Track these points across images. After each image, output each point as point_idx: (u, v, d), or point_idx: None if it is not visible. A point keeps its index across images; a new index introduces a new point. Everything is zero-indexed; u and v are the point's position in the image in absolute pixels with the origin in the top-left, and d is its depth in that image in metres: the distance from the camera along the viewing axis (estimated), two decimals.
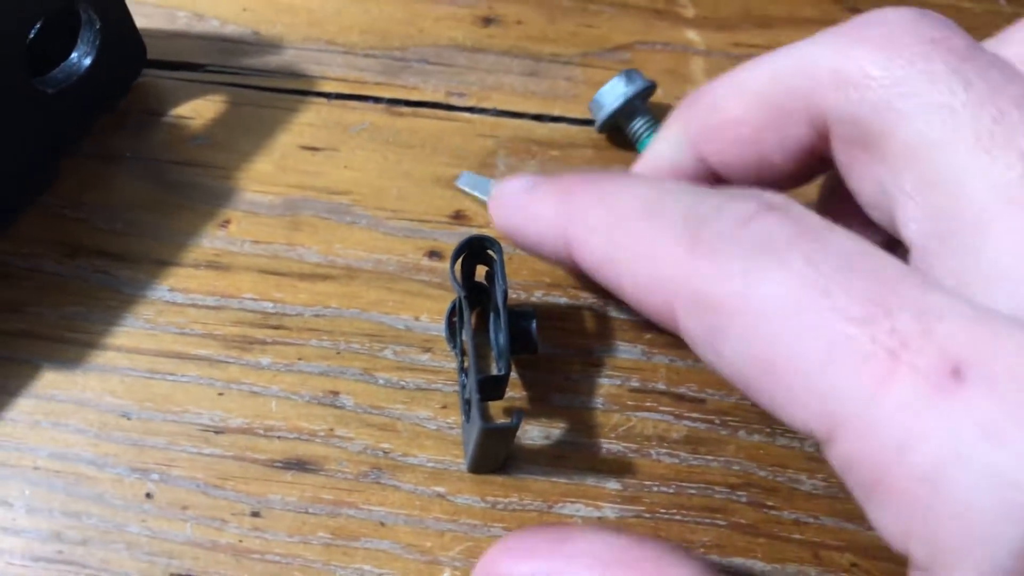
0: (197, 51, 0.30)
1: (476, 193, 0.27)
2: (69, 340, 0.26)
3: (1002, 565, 0.12)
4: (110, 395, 0.25)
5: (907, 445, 0.13)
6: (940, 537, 0.13)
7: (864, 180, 0.18)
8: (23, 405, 0.25)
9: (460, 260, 0.23)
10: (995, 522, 0.13)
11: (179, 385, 0.25)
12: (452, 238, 0.27)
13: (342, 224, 0.27)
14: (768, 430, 0.25)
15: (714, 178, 0.21)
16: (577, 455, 0.24)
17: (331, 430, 0.25)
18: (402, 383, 0.25)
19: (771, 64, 0.19)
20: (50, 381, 0.25)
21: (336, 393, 0.25)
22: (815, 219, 0.16)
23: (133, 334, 0.26)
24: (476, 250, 0.23)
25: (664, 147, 0.22)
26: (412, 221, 0.27)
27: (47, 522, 0.23)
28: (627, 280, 0.18)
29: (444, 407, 0.25)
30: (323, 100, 0.29)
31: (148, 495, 0.24)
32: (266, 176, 0.28)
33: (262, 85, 0.29)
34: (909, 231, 0.16)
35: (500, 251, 0.23)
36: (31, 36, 0.25)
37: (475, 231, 0.27)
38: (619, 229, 0.18)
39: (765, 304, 0.15)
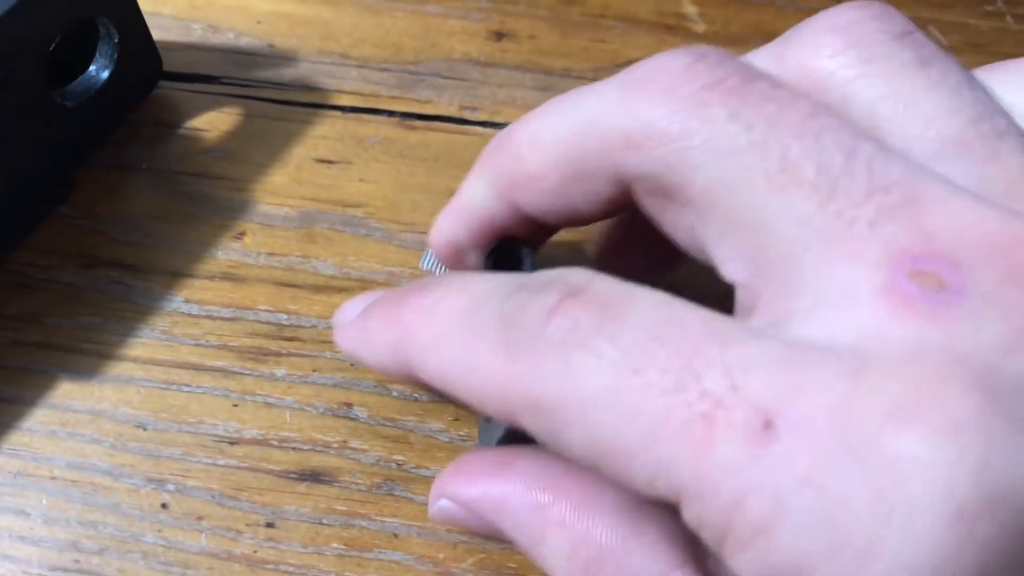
0: (212, 63, 0.30)
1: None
2: (85, 351, 0.26)
3: None
4: (126, 406, 0.25)
5: (738, 502, 0.14)
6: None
7: (675, 227, 0.18)
8: (40, 415, 0.25)
9: (490, 266, 0.23)
10: (822, 564, 0.13)
11: (194, 396, 0.25)
12: None
13: (356, 236, 0.28)
14: None
15: (529, 220, 0.21)
16: None
17: (345, 442, 0.25)
18: (415, 395, 0.25)
19: (567, 119, 0.19)
20: (66, 391, 0.25)
21: (350, 405, 0.25)
22: (616, 292, 0.16)
23: (149, 345, 0.26)
24: (504, 255, 0.23)
25: (473, 196, 0.22)
26: (425, 234, 0.28)
27: (64, 531, 0.24)
28: (467, 394, 0.17)
29: (457, 419, 0.25)
30: (337, 113, 0.29)
31: (164, 505, 0.24)
32: (281, 188, 0.28)
33: (276, 98, 0.30)
34: (728, 271, 0.17)
35: (532, 255, 0.23)
36: (50, 49, 0.25)
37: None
38: (444, 348, 0.18)
39: (585, 396, 0.15)
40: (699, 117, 0.16)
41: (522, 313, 0.16)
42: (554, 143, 0.19)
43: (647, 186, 0.18)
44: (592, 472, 0.16)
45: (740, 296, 0.17)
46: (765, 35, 0.32)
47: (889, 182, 0.15)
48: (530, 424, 0.16)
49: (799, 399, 0.14)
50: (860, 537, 0.13)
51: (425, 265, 0.27)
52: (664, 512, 0.17)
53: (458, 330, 0.17)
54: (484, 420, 0.23)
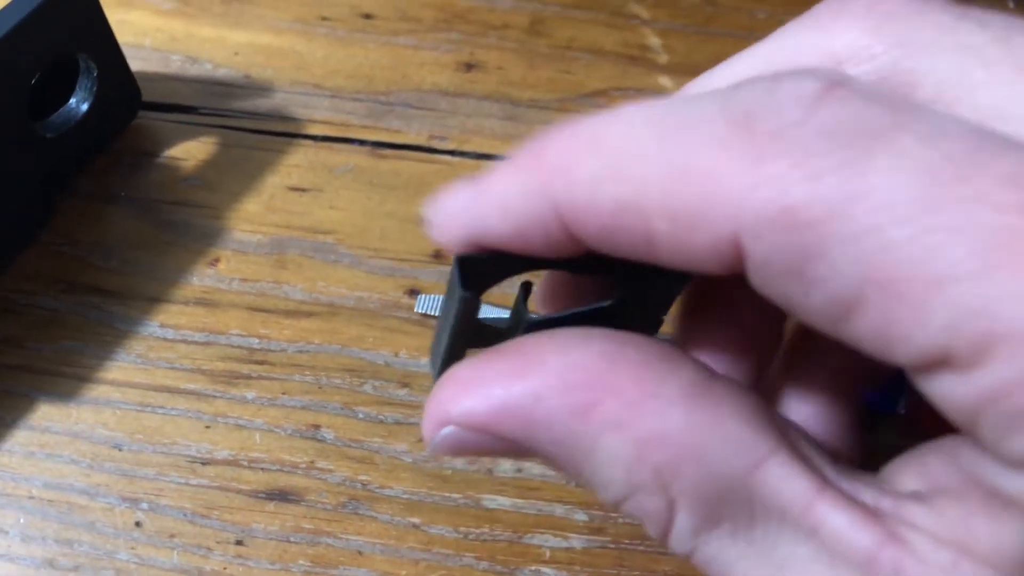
0: (190, 94, 0.31)
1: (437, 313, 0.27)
2: (64, 374, 0.27)
3: None
4: (103, 427, 0.26)
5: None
6: None
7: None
8: (19, 436, 0.26)
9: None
10: None
11: (168, 418, 0.26)
12: (432, 277, 0.28)
13: (326, 262, 0.29)
14: None
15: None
16: (546, 487, 0.26)
17: (312, 462, 0.26)
18: (381, 417, 0.26)
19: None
20: (45, 413, 0.26)
21: (317, 427, 0.26)
22: (899, 96, 0.13)
23: (126, 368, 0.27)
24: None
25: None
26: (393, 260, 0.29)
27: (41, 549, 0.25)
28: (663, 222, 0.14)
29: (420, 440, 0.26)
30: (310, 142, 0.31)
31: (137, 523, 0.25)
32: (254, 216, 0.29)
33: (252, 127, 0.31)
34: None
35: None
36: (32, 83, 0.26)
37: None
38: (634, 162, 0.14)
39: (880, 203, 0.12)
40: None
41: (770, 101, 0.13)
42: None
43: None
44: (646, 359, 0.14)
45: None
46: None
47: None
48: (766, 252, 0.13)
49: None
50: None
51: (419, 309, 0.28)
52: (741, 395, 0.15)
53: (659, 136, 0.14)
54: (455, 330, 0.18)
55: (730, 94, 0.13)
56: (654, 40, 0.33)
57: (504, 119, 0.31)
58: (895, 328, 0.12)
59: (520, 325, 0.18)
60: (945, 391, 0.13)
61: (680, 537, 0.15)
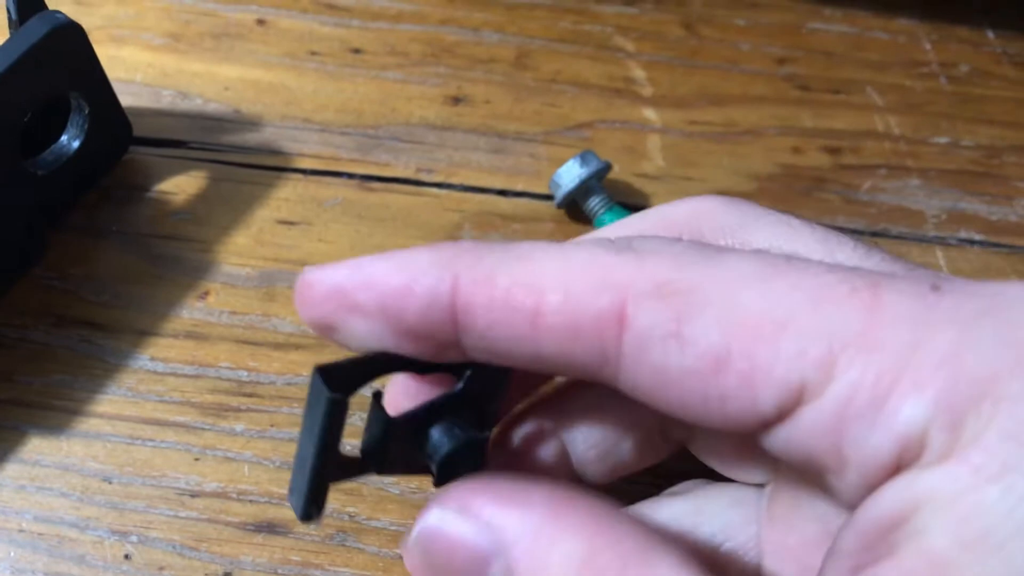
0: (181, 128, 0.32)
1: None
2: (55, 407, 0.27)
3: None
4: (93, 460, 0.26)
5: (916, 348, 0.15)
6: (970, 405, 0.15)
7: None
8: (9, 470, 0.26)
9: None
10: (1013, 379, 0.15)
11: (158, 450, 0.27)
12: None
13: None
14: None
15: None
16: None
17: None
18: None
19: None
20: (36, 447, 0.27)
21: None
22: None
23: (116, 401, 0.27)
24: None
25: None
26: None
27: None
28: (554, 303, 0.17)
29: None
30: (299, 176, 0.31)
31: (127, 556, 0.25)
32: (244, 249, 0.30)
33: (241, 161, 0.31)
34: None
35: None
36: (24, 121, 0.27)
37: None
38: (534, 257, 0.17)
39: (737, 274, 0.16)
40: None
41: (648, 236, 0.18)
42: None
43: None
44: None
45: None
46: (709, 98, 0.33)
47: None
48: (646, 318, 0.16)
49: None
50: None
51: None
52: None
53: (560, 248, 0.18)
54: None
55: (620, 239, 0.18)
56: (639, 73, 0.34)
57: (491, 152, 0.32)
58: (758, 369, 0.16)
59: (385, 428, 0.19)
60: (807, 428, 0.16)
61: None
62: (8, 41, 0.25)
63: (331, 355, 0.28)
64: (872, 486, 0.15)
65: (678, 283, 0.16)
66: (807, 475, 0.18)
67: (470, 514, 0.17)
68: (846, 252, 0.19)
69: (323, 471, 0.19)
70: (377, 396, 0.20)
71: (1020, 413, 0.14)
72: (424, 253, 0.18)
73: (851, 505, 0.16)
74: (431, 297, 0.17)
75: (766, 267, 0.16)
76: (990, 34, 0.35)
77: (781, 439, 0.16)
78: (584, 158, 0.29)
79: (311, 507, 0.19)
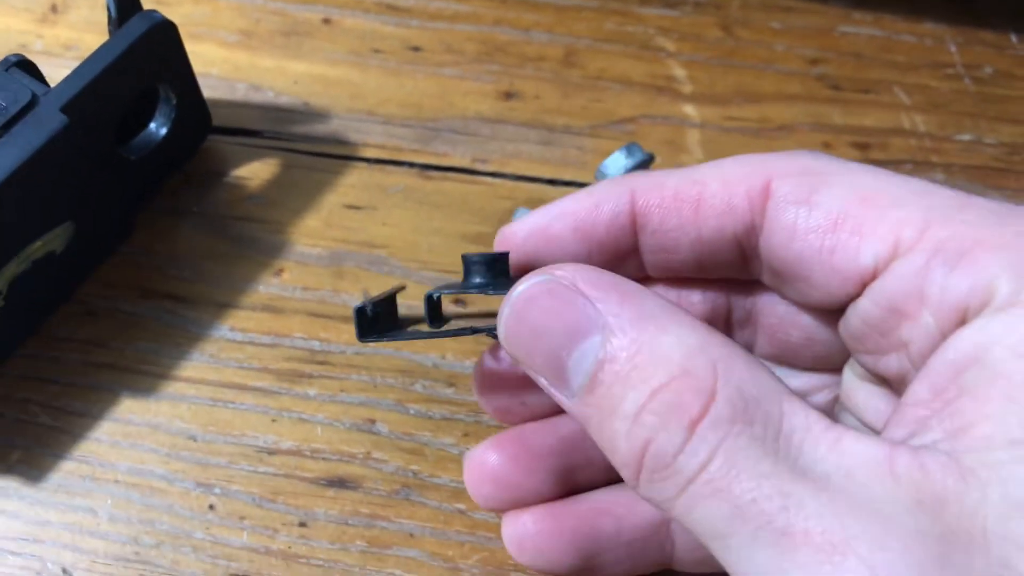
0: (255, 119, 0.34)
1: None
2: (144, 372, 0.30)
3: None
4: (179, 420, 0.29)
5: (995, 224, 0.18)
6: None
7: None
8: (105, 427, 0.29)
9: None
10: None
11: (238, 412, 0.29)
12: None
13: (380, 274, 0.31)
14: None
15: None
16: None
17: (368, 453, 0.28)
18: (430, 413, 0.29)
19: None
20: (127, 407, 0.29)
21: (373, 421, 0.29)
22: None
23: (199, 367, 0.30)
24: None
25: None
26: (440, 272, 0.31)
27: (126, 527, 0.27)
28: (714, 188, 0.21)
29: (466, 435, 0.29)
30: (364, 164, 0.33)
31: (211, 507, 0.28)
32: (314, 231, 0.32)
33: (311, 150, 0.34)
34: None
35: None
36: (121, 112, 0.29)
37: None
38: (697, 168, 0.22)
39: (860, 170, 0.20)
40: None
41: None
42: None
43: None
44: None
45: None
46: (745, 96, 0.35)
47: None
48: (787, 186, 0.20)
49: None
50: None
51: (517, 219, 0.31)
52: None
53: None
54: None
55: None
56: (679, 71, 0.36)
57: (541, 144, 0.34)
58: (866, 226, 0.19)
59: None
60: (897, 277, 0.19)
61: (713, 425, 0.17)
62: (112, 39, 0.28)
63: None
64: (946, 332, 0.18)
65: (813, 168, 0.20)
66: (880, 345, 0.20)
67: (579, 288, 0.19)
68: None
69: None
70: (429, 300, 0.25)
71: None
72: (602, 184, 0.23)
73: (922, 360, 0.18)
74: (615, 209, 0.22)
75: (882, 172, 0.20)
76: (1013, 38, 0.37)
77: (869, 300, 0.19)
78: (629, 149, 0.31)
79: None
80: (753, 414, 0.17)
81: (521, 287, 0.19)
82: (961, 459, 0.16)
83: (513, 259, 0.23)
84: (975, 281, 0.17)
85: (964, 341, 0.17)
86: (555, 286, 0.19)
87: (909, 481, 0.16)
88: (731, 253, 0.22)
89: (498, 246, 0.24)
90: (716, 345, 0.18)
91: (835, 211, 0.20)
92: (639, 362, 0.18)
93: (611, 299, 0.18)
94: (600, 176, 0.32)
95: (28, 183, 0.26)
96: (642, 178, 0.22)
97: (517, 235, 0.23)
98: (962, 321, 0.18)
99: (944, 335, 0.18)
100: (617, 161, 0.31)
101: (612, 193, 0.22)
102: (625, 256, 0.23)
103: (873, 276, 0.19)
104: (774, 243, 0.21)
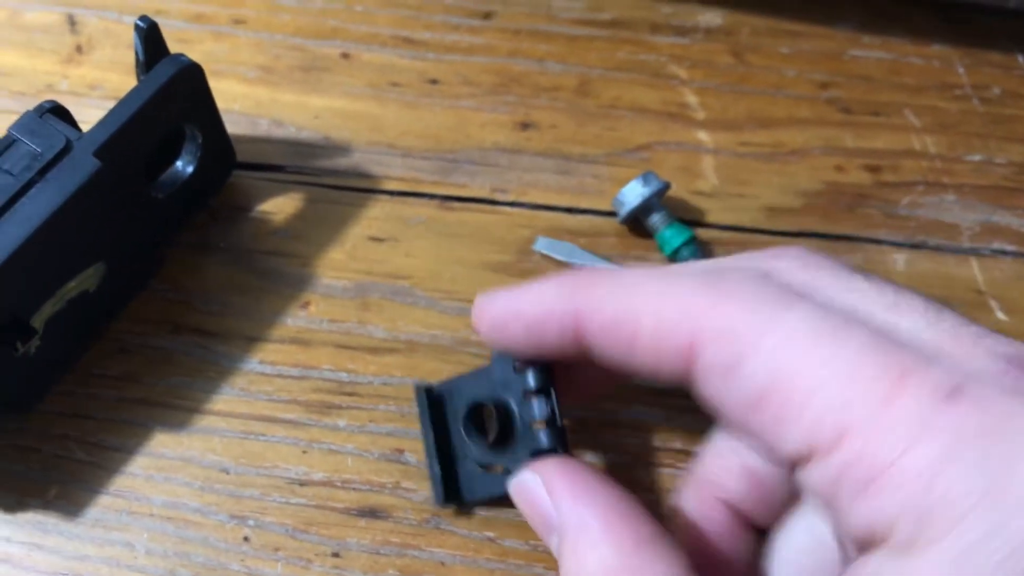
0: (277, 154, 0.35)
1: (553, 254, 0.32)
2: (176, 406, 0.30)
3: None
4: (211, 453, 0.30)
5: (910, 444, 0.17)
6: (934, 516, 0.17)
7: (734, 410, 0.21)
8: (139, 461, 0.29)
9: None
10: (991, 504, 0.16)
11: (269, 444, 0.30)
12: None
13: (404, 304, 0.32)
14: None
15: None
16: None
17: (398, 483, 0.29)
18: None
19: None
20: (160, 441, 0.30)
21: (401, 451, 0.29)
22: (828, 262, 0.21)
23: (229, 401, 0.30)
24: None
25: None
26: (463, 301, 0.32)
27: (162, 561, 0.28)
28: (647, 328, 0.21)
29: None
30: (386, 197, 0.34)
31: (246, 538, 0.28)
32: (339, 263, 0.33)
33: (333, 184, 0.34)
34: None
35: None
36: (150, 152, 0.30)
37: None
38: (636, 288, 0.21)
39: (790, 331, 0.19)
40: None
41: (734, 269, 0.21)
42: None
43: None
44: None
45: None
46: (758, 121, 0.36)
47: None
48: (709, 355, 0.20)
49: (983, 381, 0.18)
50: None
51: (537, 247, 0.33)
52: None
53: (656, 278, 0.22)
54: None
55: (711, 264, 0.22)
56: (692, 98, 0.37)
57: (558, 173, 0.35)
58: (786, 419, 0.19)
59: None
60: (816, 477, 0.19)
61: None
62: (141, 83, 0.29)
63: (421, 358, 0.31)
64: (859, 540, 0.19)
65: (741, 330, 0.20)
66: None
67: (547, 489, 0.23)
68: (914, 318, 0.20)
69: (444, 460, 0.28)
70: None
71: (966, 540, 0.16)
72: (553, 289, 0.23)
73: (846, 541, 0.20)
74: (560, 326, 0.23)
75: (820, 329, 0.19)
76: (1020, 59, 0.38)
77: (799, 476, 0.20)
78: (646, 178, 0.32)
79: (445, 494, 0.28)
80: None
81: (513, 481, 0.24)
82: None
83: (481, 335, 0.25)
84: (874, 517, 0.18)
85: (861, 572, 0.18)
86: (529, 487, 0.23)
87: None
88: (675, 384, 0.22)
89: (475, 316, 0.25)
90: (633, 570, 0.20)
91: (757, 390, 0.19)
92: (567, 571, 0.21)
93: (564, 506, 0.22)
94: (618, 205, 0.32)
95: (64, 226, 0.27)
96: (586, 293, 0.22)
97: (483, 319, 0.25)
98: (865, 545, 0.18)
99: (859, 544, 0.19)
100: (634, 190, 0.32)
101: (557, 308, 0.23)
102: (574, 356, 0.24)
103: (797, 463, 0.19)
104: (709, 397, 0.21)
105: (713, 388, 0.20)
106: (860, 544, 0.19)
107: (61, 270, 0.28)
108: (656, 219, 0.32)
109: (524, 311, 0.24)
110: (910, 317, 0.19)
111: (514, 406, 0.26)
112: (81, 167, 0.27)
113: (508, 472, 0.26)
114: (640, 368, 0.22)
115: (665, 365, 0.21)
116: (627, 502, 0.22)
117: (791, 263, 0.21)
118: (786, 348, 0.19)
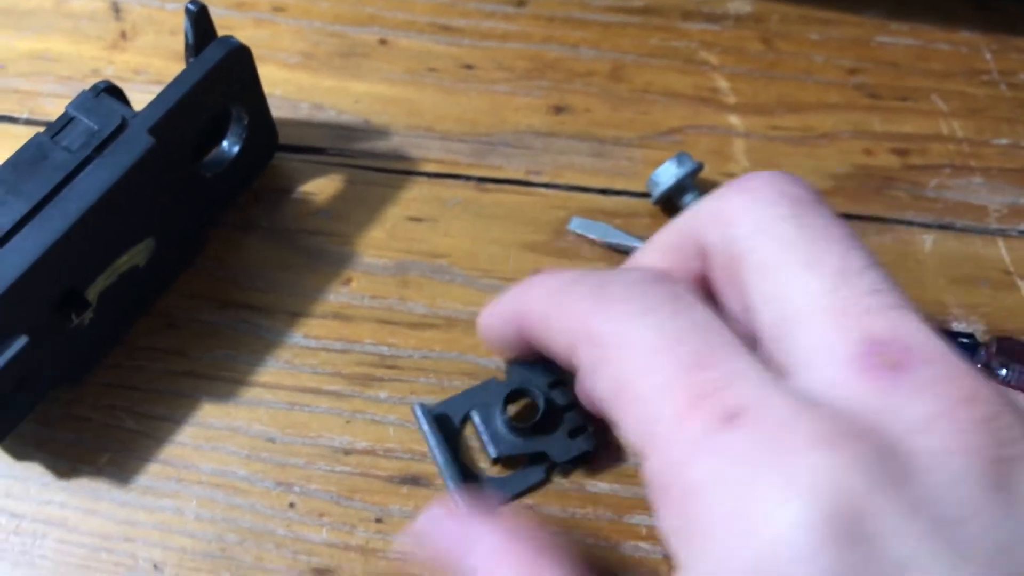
0: (318, 137, 0.36)
1: (588, 234, 0.33)
2: (222, 378, 0.31)
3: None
4: (257, 423, 0.30)
5: (687, 463, 0.18)
6: (693, 536, 0.18)
7: (730, 299, 0.22)
8: (188, 431, 0.30)
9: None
10: (732, 529, 0.17)
11: (314, 415, 0.31)
12: None
13: (443, 282, 0.33)
14: None
15: None
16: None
17: None
18: None
19: (677, 221, 0.24)
20: (208, 412, 0.31)
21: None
22: (684, 290, 0.21)
23: (275, 373, 0.31)
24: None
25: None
26: (499, 279, 0.33)
27: (211, 526, 0.29)
28: (551, 331, 0.23)
29: None
30: (424, 178, 0.35)
31: (291, 504, 0.29)
32: (379, 242, 0.34)
33: (373, 166, 0.35)
34: (760, 332, 0.21)
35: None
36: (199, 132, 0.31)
37: None
38: (550, 299, 0.23)
39: (634, 342, 0.20)
40: (769, 212, 0.21)
41: (616, 279, 0.22)
42: (666, 236, 0.24)
43: (720, 259, 0.22)
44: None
45: (763, 350, 0.21)
46: (788, 106, 0.37)
47: (882, 296, 0.20)
48: (582, 357, 0.21)
49: (766, 409, 0.18)
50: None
51: (572, 228, 0.34)
52: None
53: (563, 288, 0.23)
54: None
55: (607, 273, 0.22)
56: (723, 83, 0.37)
57: (592, 156, 0.36)
58: (622, 424, 0.20)
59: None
60: (645, 475, 0.19)
61: None
62: (192, 64, 0.30)
63: (459, 334, 0.32)
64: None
65: (600, 336, 0.21)
66: None
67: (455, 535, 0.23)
68: (818, 281, 0.20)
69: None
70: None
71: (707, 564, 0.17)
72: (508, 306, 0.25)
73: None
74: (513, 326, 0.25)
75: (656, 343, 0.20)
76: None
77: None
78: (680, 159, 0.33)
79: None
80: None
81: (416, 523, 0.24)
82: None
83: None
84: (666, 531, 0.18)
85: None
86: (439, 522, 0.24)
87: None
88: None
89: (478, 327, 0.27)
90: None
91: (607, 393, 0.21)
92: None
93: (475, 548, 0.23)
94: (652, 186, 0.33)
95: (118, 201, 0.28)
96: (524, 296, 0.24)
97: (479, 329, 0.26)
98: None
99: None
100: (668, 170, 0.33)
101: (508, 324, 0.25)
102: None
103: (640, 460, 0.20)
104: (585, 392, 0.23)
105: (586, 384, 0.22)
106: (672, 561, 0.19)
107: (114, 244, 0.29)
108: (689, 199, 0.33)
109: (488, 327, 0.26)
110: (813, 278, 0.20)
111: (540, 398, 0.28)
112: (136, 144, 0.28)
113: (536, 461, 0.29)
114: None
115: (566, 361, 0.23)
116: (522, 528, 0.23)
117: (746, 202, 0.22)
118: (630, 360, 0.20)
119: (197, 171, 0.32)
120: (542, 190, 0.35)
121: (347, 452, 0.30)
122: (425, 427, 0.29)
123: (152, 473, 0.30)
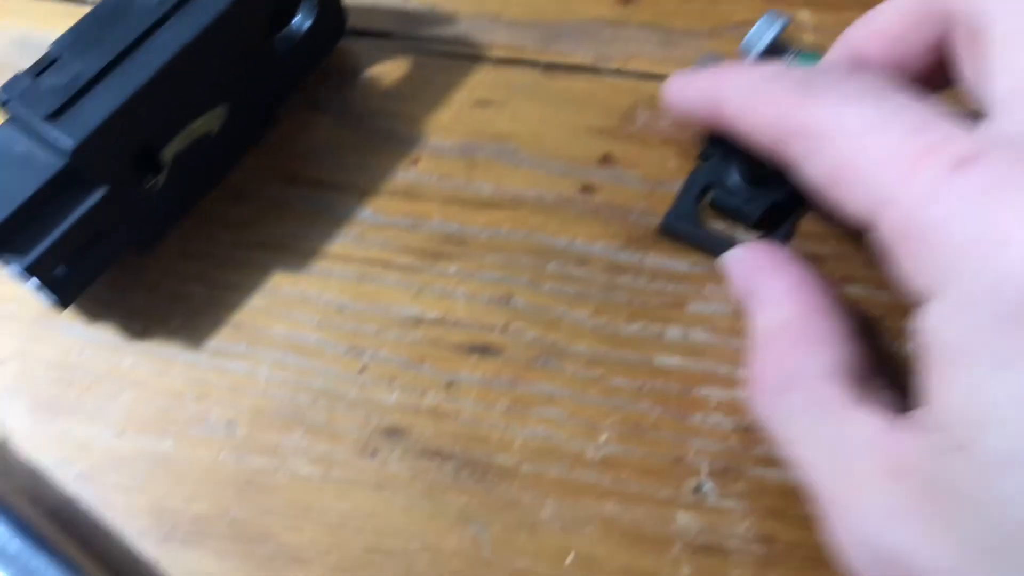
0: (386, 21, 0.36)
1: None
2: (293, 249, 0.31)
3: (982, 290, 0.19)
4: (328, 292, 0.31)
5: (925, 205, 0.20)
6: (939, 267, 0.20)
7: (966, 65, 0.24)
8: (257, 298, 0.31)
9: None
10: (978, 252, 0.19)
11: (384, 287, 0.31)
12: (601, 177, 0.32)
13: (509, 164, 0.33)
14: None
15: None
16: (711, 351, 0.29)
17: (507, 324, 0.30)
18: (564, 290, 0.30)
19: None
20: (278, 281, 0.31)
21: (510, 296, 0.30)
22: (886, 77, 0.23)
23: (344, 246, 0.31)
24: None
25: (834, 56, 0.28)
26: (566, 162, 0.33)
27: (282, 387, 0.29)
28: (756, 124, 0.25)
29: (596, 311, 0.30)
30: (490, 64, 0.35)
31: (362, 369, 0.29)
32: (446, 125, 0.34)
33: (440, 51, 0.35)
34: (991, 101, 0.22)
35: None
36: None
37: (623, 171, 0.32)
38: (752, 89, 0.25)
39: (848, 127, 0.22)
40: None
41: (824, 74, 0.24)
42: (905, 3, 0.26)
43: (964, 29, 0.23)
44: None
45: (992, 115, 0.22)
46: (860, 2, 0.36)
47: None
48: (793, 148, 0.23)
49: (994, 152, 0.20)
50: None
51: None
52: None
53: (767, 80, 0.25)
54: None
55: (811, 71, 0.25)
56: None
57: (661, 45, 0.35)
58: (842, 202, 0.23)
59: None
60: (877, 241, 0.22)
61: None
62: None
63: (526, 214, 0.32)
64: (912, 296, 0.22)
65: (812, 126, 0.23)
66: None
67: (752, 264, 0.27)
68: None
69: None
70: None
71: (964, 290, 0.20)
72: (703, 87, 0.28)
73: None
74: (704, 114, 0.28)
75: (873, 119, 0.22)
76: None
77: (871, 240, 0.23)
78: (769, 17, 0.32)
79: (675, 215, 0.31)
80: None
81: (727, 254, 0.28)
82: None
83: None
84: (910, 275, 0.21)
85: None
86: (738, 258, 0.28)
87: None
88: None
89: (664, 96, 0.30)
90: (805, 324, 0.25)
91: (828, 175, 0.23)
92: (755, 325, 0.26)
93: (761, 277, 0.27)
94: (745, 48, 0.33)
95: (196, 59, 0.28)
96: (722, 84, 0.27)
97: (664, 99, 0.30)
98: (915, 301, 0.22)
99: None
100: (760, 31, 0.32)
101: (702, 98, 0.28)
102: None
103: (867, 229, 0.23)
104: (802, 179, 0.24)
105: (804, 172, 0.24)
106: (914, 300, 0.21)
107: (190, 106, 0.29)
108: (790, 58, 0.32)
109: (678, 98, 0.29)
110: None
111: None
112: (215, 2, 0.28)
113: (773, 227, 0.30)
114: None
115: (767, 153, 0.25)
116: (813, 278, 0.26)
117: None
118: (850, 140, 0.22)
119: (269, 45, 0.32)
120: (611, 77, 0.35)
121: (417, 322, 0.30)
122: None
123: (224, 336, 0.30)
